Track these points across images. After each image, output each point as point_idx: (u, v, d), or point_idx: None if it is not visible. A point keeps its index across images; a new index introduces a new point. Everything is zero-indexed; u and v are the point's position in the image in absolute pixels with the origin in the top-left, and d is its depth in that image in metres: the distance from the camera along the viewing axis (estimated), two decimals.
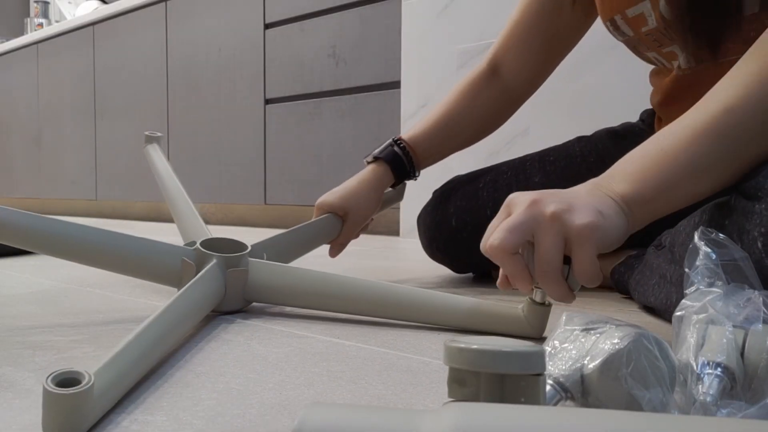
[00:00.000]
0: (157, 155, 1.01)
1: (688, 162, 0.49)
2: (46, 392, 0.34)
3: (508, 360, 0.27)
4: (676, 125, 0.52)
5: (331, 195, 0.89)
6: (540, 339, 0.59)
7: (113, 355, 0.41)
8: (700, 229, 0.42)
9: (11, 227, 0.62)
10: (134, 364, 0.43)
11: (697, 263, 0.40)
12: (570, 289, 0.48)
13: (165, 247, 0.70)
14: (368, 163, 0.92)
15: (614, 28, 0.73)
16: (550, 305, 0.58)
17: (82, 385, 0.35)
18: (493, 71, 0.90)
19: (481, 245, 0.50)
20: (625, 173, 0.51)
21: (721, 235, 0.41)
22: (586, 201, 0.47)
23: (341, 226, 0.90)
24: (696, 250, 0.41)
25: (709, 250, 0.40)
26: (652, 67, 0.80)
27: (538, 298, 0.57)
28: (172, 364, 0.50)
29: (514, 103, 0.92)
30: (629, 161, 0.52)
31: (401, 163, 0.90)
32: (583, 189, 0.50)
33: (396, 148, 0.90)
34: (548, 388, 0.35)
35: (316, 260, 1.07)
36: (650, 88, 0.84)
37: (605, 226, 0.46)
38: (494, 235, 0.48)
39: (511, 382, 0.28)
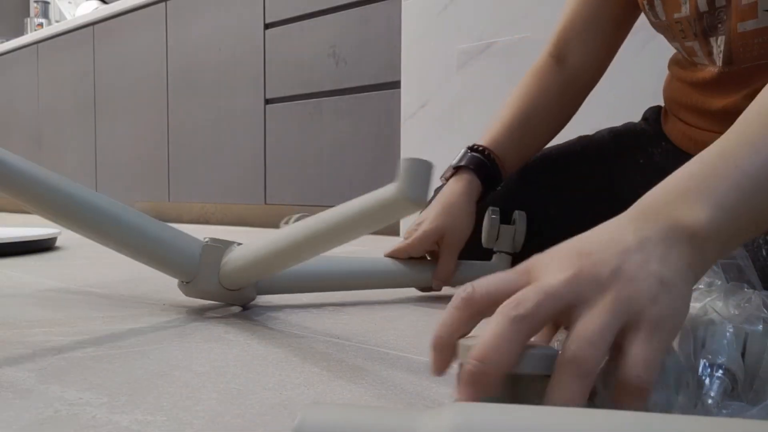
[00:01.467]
0: None
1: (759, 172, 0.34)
2: None
3: (520, 360, 0.27)
4: (721, 141, 0.37)
5: (425, 221, 0.79)
6: None
7: None
8: None
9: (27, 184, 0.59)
10: None
11: None
12: None
13: (183, 235, 0.69)
14: (446, 179, 0.83)
15: (650, 7, 0.73)
16: None
17: None
18: (558, 61, 0.88)
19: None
20: (688, 191, 0.34)
21: None
22: (650, 273, 0.30)
23: None
24: None
25: None
26: (658, 63, 0.79)
27: None
28: (173, 364, 0.50)
29: (582, 91, 0.90)
30: (687, 175, 0.35)
31: (487, 168, 0.82)
32: (635, 240, 0.32)
33: (476, 154, 0.82)
34: None
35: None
36: (652, 89, 0.84)
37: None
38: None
39: (523, 383, 0.28)
